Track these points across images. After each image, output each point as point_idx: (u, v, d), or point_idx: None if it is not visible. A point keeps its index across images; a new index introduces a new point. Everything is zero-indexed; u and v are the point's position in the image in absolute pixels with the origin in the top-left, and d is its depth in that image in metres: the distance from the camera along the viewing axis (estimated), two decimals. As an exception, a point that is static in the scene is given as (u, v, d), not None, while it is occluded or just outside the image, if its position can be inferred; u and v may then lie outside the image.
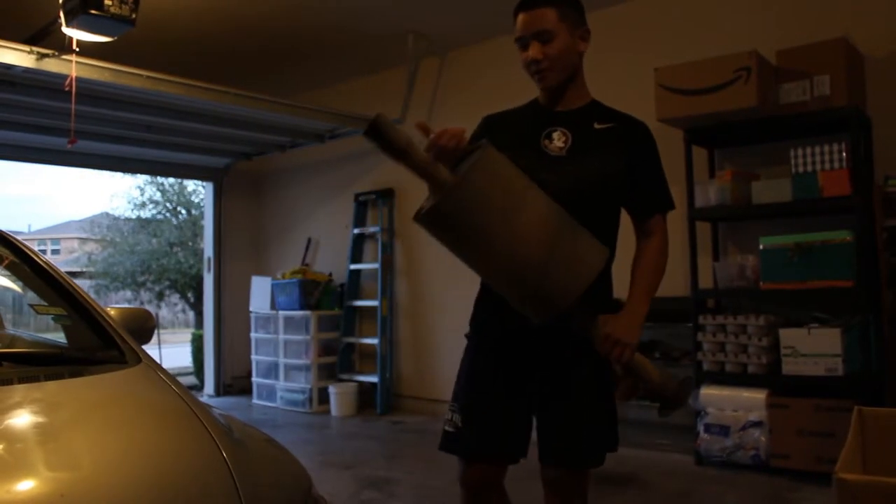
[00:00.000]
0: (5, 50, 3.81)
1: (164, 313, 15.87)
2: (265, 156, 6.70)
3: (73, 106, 3.94)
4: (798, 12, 4.01)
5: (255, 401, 6.38)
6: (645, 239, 1.82)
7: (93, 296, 2.02)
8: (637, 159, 1.76)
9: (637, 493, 3.50)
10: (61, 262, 18.31)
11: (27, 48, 3.86)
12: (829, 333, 3.48)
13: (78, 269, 14.71)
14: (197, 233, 10.72)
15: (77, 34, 3.62)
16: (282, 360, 6.16)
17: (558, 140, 1.74)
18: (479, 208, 1.51)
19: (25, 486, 1.13)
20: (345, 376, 5.99)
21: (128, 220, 12.27)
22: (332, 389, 5.73)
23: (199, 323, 9.42)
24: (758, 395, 3.64)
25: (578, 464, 1.78)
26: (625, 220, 1.86)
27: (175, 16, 4.72)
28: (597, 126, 1.77)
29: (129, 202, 11.92)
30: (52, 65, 3.91)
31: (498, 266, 1.57)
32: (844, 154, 3.49)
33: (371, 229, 6.05)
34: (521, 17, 1.73)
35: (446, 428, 1.79)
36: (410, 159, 1.50)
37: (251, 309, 6.51)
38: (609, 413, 1.83)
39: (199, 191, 11.00)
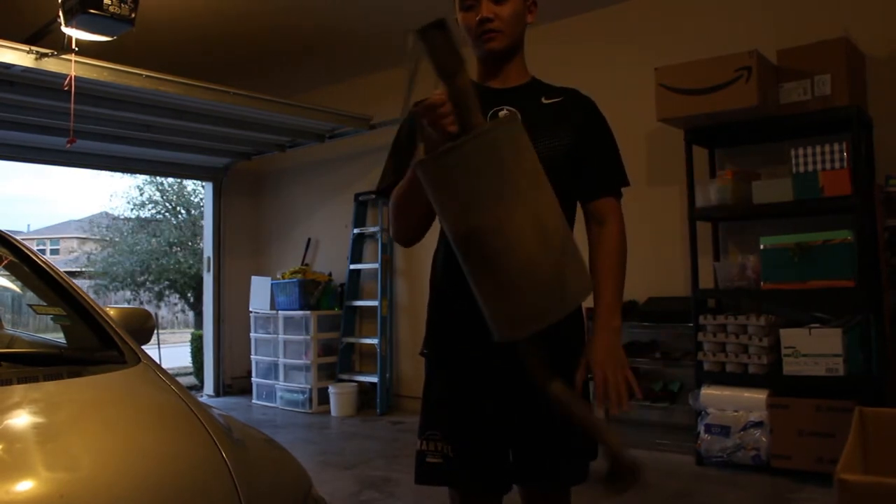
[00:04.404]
0: (4, 49, 3.81)
1: (163, 313, 15.87)
2: (265, 156, 6.69)
3: (72, 105, 3.94)
4: (799, 12, 4.01)
5: (254, 401, 6.37)
6: (598, 227, 1.60)
7: (92, 296, 2.01)
8: (586, 133, 1.61)
9: (637, 493, 3.48)
10: (60, 262, 18.31)
11: (26, 47, 3.85)
12: (830, 333, 3.47)
13: (77, 269, 14.71)
14: (196, 233, 10.72)
15: (76, 33, 3.61)
16: (281, 361, 6.15)
17: None
18: (497, 169, 1.30)
19: (24, 486, 1.12)
20: (345, 376, 5.98)
21: (127, 219, 12.27)
22: (331, 389, 5.72)
23: (198, 323, 9.42)
24: (758, 396, 3.64)
25: (568, 483, 1.67)
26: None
27: (174, 15, 4.71)
28: (544, 101, 1.62)
29: (128, 202, 11.93)
30: (52, 64, 3.90)
31: (486, 248, 1.32)
32: (845, 154, 3.49)
33: (371, 229, 6.04)
34: None
35: (429, 459, 1.59)
36: (458, 82, 1.34)
37: (251, 309, 6.50)
38: None
39: (199, 190, 11.00)
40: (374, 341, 5.76)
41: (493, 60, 1.64)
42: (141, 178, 11.40)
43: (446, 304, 1.69)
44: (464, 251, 1.36)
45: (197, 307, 10.16)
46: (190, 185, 11.38)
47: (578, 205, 1.66)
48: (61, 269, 2.00)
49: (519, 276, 1.31)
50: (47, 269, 1.95)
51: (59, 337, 2.15)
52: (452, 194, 1.33)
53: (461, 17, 1.60)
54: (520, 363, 1.46)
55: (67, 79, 3.85)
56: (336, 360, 6.06)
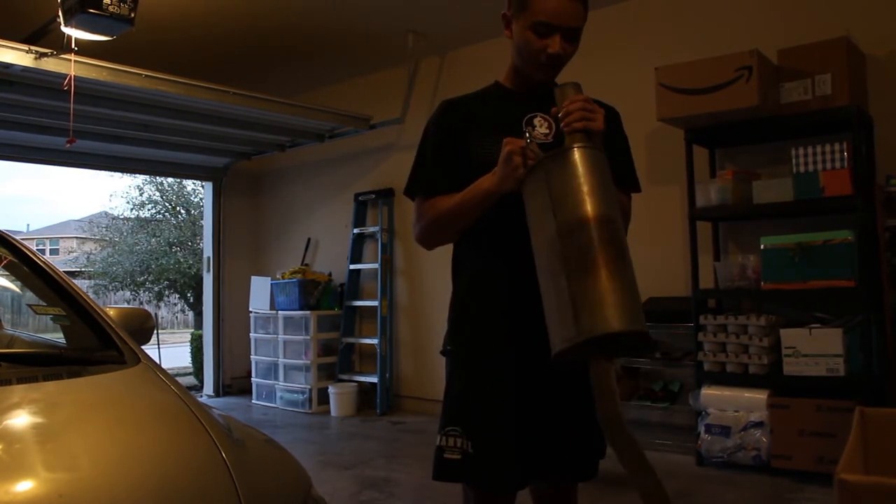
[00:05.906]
0: (4, 49, 3.80)
1: (163, 313, 15.89)
2: (265, 155, 6.69)
3: (71, 105, 3.93)
4: (799, 11, 4.01)
5: (254, 401, 6.37)
6: None
7: (92, 296, 2.01)
8: (611, 142, 1.67)
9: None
10: (60, 262, 18.31)
11: (25, 47, 3.85)
12: (831, 333, 3.47)
13: (76, 269, 14.72)
14: (196, 233, 10.71)
15: (76, 33, 3.61)
16: (281, 361, 6.15)
17: (541, 126, 1.65)
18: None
19: (24, 486, 1.12)
20: (344, 376, 5.98)
21: (127, 219, 12.27)
22: (331, 390, 5.72)
23: (198, 323, 9.41)
24: (759, 396, 3.64)
25: (582, 477, 1.71)
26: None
27: (174, 15, 4.71)
28: None
29: (128, 202, 11.95)
30: (51, 64, 3.90)
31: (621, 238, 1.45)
32: (846, 153, 3.49)
33: (371, 229, 6.04)
34: (557, 3, 1.57)
35: (447, 455, 1.61)
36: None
37: (251, 309, 6.50)
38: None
39: (199, 190, 11.00)
40: (374, 341, 5.76)
41: (535, 81, 1.69)
42: (140, 178, 11.40)
43: (476, 303, 1.70)
44: (607, 233, 1.42)
45: (197, 307, 10.15)
46: (190, 184, 11.38)
47: None
48: (61, 269, 1.99)
49: (633, 277, 1.45)
50: (47, 269, 1.95)
51: (58, 337, 2.14)
52: (601, 180, 1.46)
53: (529, 35, 1.60)
54: (544, 362, 1.48)
55: (67, 78, 3.85)
56: (336, 360, 6.06)
